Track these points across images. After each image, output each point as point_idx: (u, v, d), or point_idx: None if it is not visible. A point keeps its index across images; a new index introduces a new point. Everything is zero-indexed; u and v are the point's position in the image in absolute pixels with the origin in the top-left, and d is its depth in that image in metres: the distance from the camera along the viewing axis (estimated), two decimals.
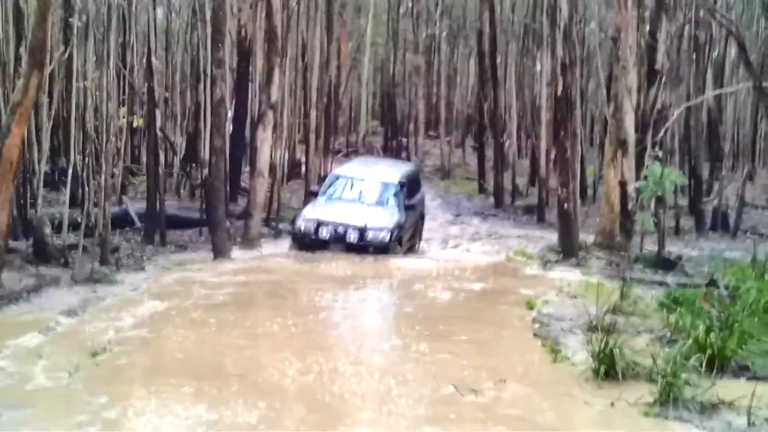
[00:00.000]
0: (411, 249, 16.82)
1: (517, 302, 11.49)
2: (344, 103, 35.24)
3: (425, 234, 18.47)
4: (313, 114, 22.11)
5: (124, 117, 13.57)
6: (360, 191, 16.37)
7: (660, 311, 10.28)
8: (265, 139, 16.14)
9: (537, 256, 15.97)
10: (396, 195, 16.20)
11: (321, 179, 21.03)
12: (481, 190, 26.44)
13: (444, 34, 35.39)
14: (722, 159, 23.20)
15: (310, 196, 17.19)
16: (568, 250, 15.31)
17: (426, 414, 6.60)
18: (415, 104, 33.49)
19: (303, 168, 25.90)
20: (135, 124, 15.48)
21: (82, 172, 14.83)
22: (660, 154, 14.67)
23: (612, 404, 6.87)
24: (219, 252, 14.36)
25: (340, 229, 14.90)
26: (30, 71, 10.04)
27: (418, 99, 32.92)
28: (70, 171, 13.19)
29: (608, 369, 7.56)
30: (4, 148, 10.01)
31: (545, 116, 22.17)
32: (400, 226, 15.43)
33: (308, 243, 14.88)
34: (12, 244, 13.13)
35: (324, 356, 8.08)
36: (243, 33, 20.64)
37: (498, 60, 26.18)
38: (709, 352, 7.71)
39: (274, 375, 7.45)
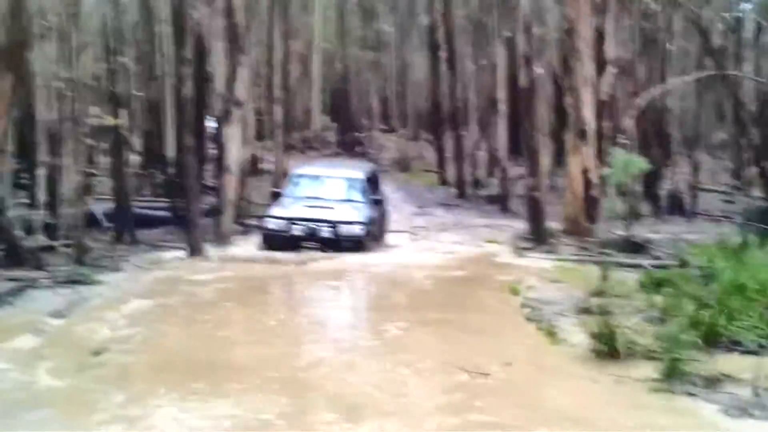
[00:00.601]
0: (379, 243, 16.88)
1: (499, 288, 11.75)
2: (295, 99, 35.12)
3: (393, 226, 18.57)
4: (277, 110, 22.04)
5: (100, 117, 13.38)
6: (326, 188, 16.33)
7: (641, 293, 10.57)
8: (232, 136, 16.08)
9: (508, 244, 16.27)
10: (362, 191, 16.24)
11: (281, 176, 21.03)
12: (442, 181, 26.72)
13: (390, 28, 35.58)
14: (671, 145, 23.81)
15: (275, 195, 16.93)
16: (539, 237, 15.63)
17: (447, 401, 6.65)
18: (367, 99, 33.57)
19: (260, 165, 25.98)
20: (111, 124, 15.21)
21: (49, 173, 14.57)
22: (627, 141, 14.97)
23: (618, 381, 7.08)
24: (194, 250, 14.27)
25: (312, 226, 14.84)
26: (4, 73, 9.88)
27: (371, 94, 33.03)
28: (43, 172, 13.00)
29: (608, 349, 7.78)
30: None
31: (503, 108, 22.48)
32: (371, 221, 15.45)
33: (280, 242, 14.76)
34: None
35: (329, 349, 8.16)
36: (197, 30, 20.35)
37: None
38: (702, 329, 7.99)
39: (285, 369, 7.46)
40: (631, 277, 11.81)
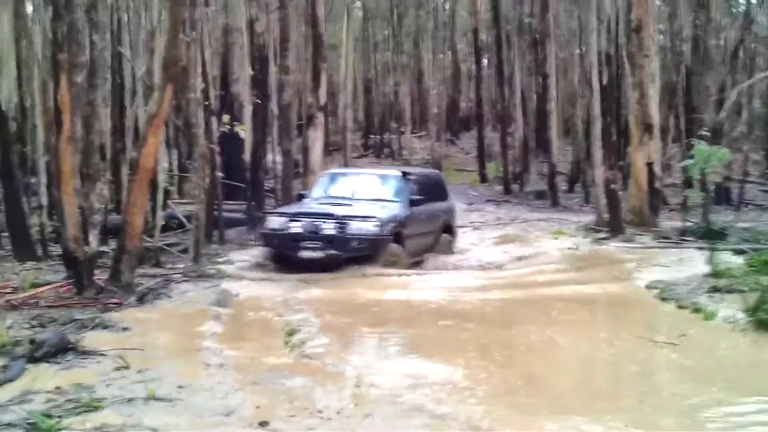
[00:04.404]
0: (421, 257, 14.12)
1: (607, 273, 12.30)
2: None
3: None
4: (349, 114, 22.53)
5: (227, 125, 13.97)
6: (355, 187, 14.40)
7: (754, 274, 11.12)
8: (316, 139, 16.63)
9: (581, 235, 16.87)
10: (398, 190, 13.97)
11: None
12: (483, 179, 27.36)
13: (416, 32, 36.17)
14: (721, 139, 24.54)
15: (299, 198, 14.94)
16: (616, 227, 16.21)
17: (679, 373, 7.06)
18: (398, 101, 34.07)
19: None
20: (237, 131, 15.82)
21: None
22: (708, 134, 15.61)
23: None
24: None
25: (315, 222, 12.66)
26: (164, 85, 10.44)
27: (404, 96, 33.54)
28: (160, 177, 13.51)
29: None
30: (141, 156, 10.39)
31: (555, 108, 23.23)
32: (398, 221, 13.14)
33: (277, 243, 12.93)
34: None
35: (523, 332, 8.45)
36: (261, 41, 20.80)
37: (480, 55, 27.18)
38: None
39: (504, 351, 7.79)
40: (727, 260, 12.43)
